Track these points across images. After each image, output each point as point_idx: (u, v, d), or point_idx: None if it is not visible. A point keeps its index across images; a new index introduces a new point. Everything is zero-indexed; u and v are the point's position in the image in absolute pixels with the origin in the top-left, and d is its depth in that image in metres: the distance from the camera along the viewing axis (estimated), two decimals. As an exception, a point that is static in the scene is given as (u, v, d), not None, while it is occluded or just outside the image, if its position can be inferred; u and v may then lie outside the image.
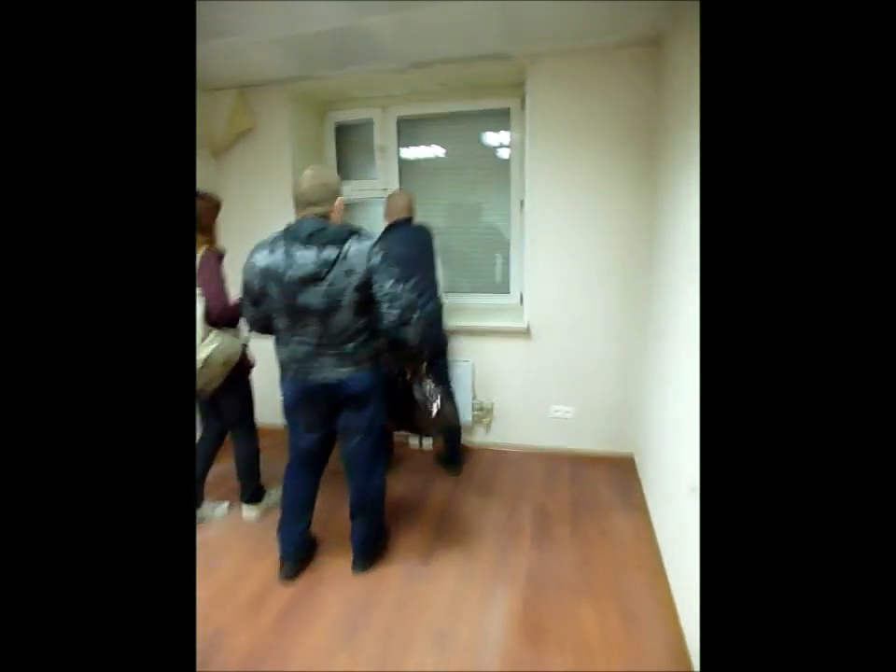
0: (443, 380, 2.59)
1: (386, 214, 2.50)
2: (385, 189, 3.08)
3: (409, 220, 2.47)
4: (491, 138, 2.95)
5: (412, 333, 1.59)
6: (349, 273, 1.54)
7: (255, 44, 2.30)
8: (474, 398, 2.90)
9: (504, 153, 2.92)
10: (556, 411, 2.82)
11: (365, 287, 1.56)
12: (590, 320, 2.65)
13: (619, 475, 2.65)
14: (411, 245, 2.37)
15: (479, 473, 2.72)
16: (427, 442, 3.04)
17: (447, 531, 2.19)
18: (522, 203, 2.80)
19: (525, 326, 2.71)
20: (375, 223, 3.22)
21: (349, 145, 3.18)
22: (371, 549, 1.93)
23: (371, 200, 3.19)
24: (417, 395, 1.84)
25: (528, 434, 2.91)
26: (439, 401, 1.85)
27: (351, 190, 3.14)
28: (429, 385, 1.86)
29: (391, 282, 1.56)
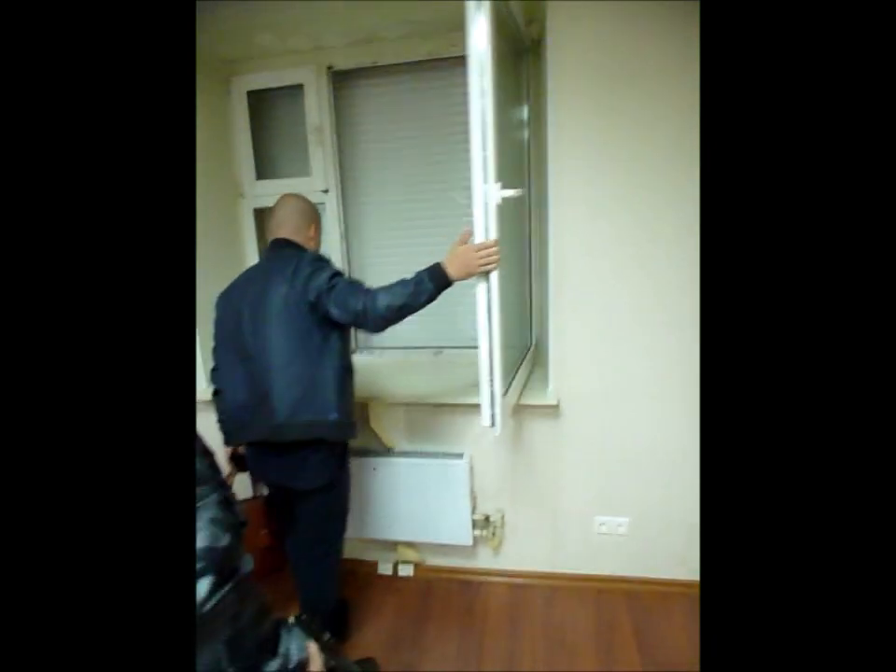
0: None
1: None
2: (324, 191, 2.05)
3: (288, 245, 1.41)
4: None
5: None
6: None
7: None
8: (474, 509, 1.87)
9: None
10: (603, 523, 1.82)
11: None
12: (650, 385, 1.67)
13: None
14: (248, 293, 1.36)
15: (486, 634, 1.69)
16: (407, 570, 2.00)
17: None
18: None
19: (555, 400, 1.71)
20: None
21: (270, 123, 2.13)
22: None
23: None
24: None
25: (560, 558, 1.90)
26: None
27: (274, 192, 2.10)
28: None
29: None
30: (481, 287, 1.23)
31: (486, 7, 1.08)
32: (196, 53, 1.86)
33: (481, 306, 1.23)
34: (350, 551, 2.03)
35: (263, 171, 2.13)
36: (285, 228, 1.42)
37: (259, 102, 2.08)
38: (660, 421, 1.69)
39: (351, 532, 1.88)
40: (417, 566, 1.99)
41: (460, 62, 1.88)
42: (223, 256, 1.98)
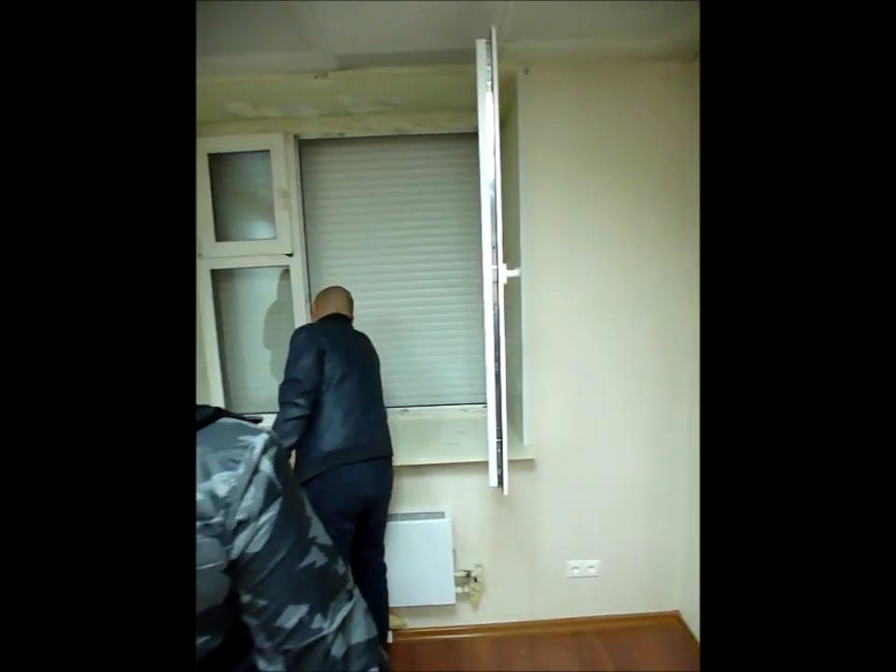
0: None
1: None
2: (289, 255, 2.05)
3: (346, 318, 1.78)
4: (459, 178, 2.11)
5: None
6: None
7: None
8: (456, 567, 1.90)
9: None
10: (575, 567, 1.94)
11: None
12: (617, 436, 1.85)
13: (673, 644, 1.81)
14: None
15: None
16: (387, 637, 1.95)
17: None
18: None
19: (532, 454, 1.82)
20: (269, 298, 2.19)
21: (230, 186, 2.11)
22: None
23: (267, 270, 2.13)
24: None
25: (536, 605, 1.97)
26: None
27: (233, 254, 2.07)
28: None
29: None
30: (488, 346, 1.32)
31: (497, 106, 1.23)
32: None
33: (489, 366, 1.32)
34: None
35: (222, 233, 2.08)
36: (340, 306, 1.78)
37: (219, 163, 2.06)
38: (626, 468, 1.86)
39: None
40: (396, 631, 1.95)
41: (426, 138, 2.06)
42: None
